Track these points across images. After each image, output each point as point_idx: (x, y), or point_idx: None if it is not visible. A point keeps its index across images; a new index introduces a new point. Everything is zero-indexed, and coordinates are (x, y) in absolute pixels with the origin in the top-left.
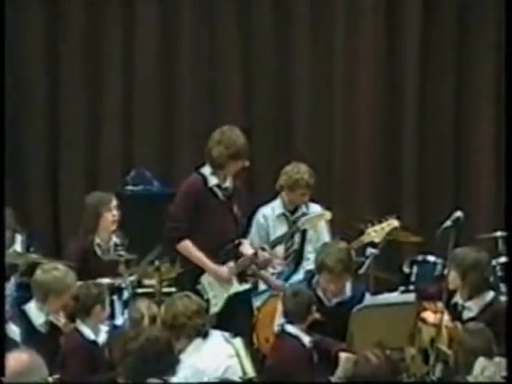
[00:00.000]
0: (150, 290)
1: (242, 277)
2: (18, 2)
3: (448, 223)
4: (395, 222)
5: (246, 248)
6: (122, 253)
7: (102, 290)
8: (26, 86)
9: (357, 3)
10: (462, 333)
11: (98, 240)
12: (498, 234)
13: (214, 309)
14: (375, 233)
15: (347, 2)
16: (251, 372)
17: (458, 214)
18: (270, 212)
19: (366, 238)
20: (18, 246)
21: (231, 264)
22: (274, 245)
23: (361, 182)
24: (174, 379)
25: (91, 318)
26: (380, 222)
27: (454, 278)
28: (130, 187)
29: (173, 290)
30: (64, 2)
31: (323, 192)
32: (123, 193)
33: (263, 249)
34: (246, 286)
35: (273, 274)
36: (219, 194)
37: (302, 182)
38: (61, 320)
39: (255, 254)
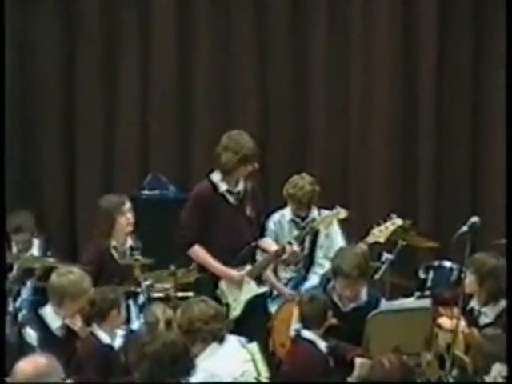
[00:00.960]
0: (166, 294)
1: (258, 281)
2: None
3: (464, 229)
4: (399, 221)
5: (269, 245)
6: (137, 257)
7: (118, 294)
8: (40, 88)
9: None
10: (479, 338)
11: (114, 243)
12: None
13: (234, 313)
14: (380, 232)
15: None
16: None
17: (475, 219)
18: (281, 218)
19: (370, 239)
20: (35, 250)
21: (248, 267)
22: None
23: (376, 188)
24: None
25: (107, 322)
26: (384, 221)
27: (471, 283)
28: (145, 191)
29: (190, 294)
30: None
31: (339, 198)
32: (139, 197)
33: (290, 243)
34: (264, 289)
35: (283, 278)
36: (230, 199)
37: (294, 197)
38: (77, 324)
39: (282, 249)
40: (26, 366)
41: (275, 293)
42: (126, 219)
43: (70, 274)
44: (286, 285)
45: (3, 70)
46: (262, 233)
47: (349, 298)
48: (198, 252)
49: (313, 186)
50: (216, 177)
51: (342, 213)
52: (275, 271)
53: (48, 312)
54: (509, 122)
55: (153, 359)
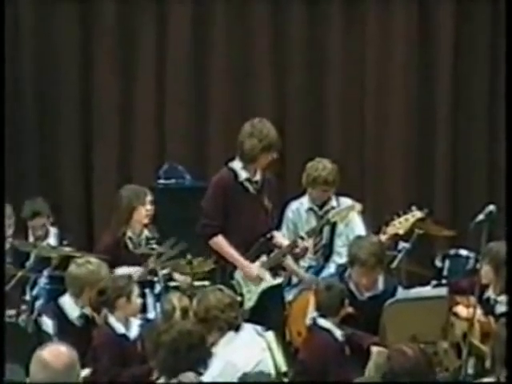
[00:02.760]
0: (182, 283)
1: (275, 271)
2: None
3: (481, 217)
4: (419, 213)
5: (281, 239)
6: (153, 246)
7: (128, 282)
8: (58, 84)
9: None
10: (497, 326)
11: (129, 233)
12: None
13: (249, 303)
14: (400, 224)
15: None
16: (283, 366)
17: (491, 207)
18: (299, 206)
19: (390, 230)
20: (51, 239)
21: (264, 258)
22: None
23: (393, 177)
24: (206, 372)
25: (118, 311)
26: (405, 213)
27: (487, 272)
28: (162, 181)
29: (206, 284)
30: None
31: (355, 186)
32: (155, 186)
33: (302, 238)
34: (279, 280)
35: (302, 267)
36: (250, 188)
37: (319, 179)
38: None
39: (294, 243)
40: (49, 355)
41: (293, 282)
42: (146, 210)
43: (89, 264)
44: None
45: (3, 69)
46: (277, 224)
47: (365, 286)
48: (221, 243)
49: (333, 165)
50: (236, 165)
51: (357, 207)
52: (296, 259)
53: (67, 301)
54: (509, 123)
55: (169, 347)
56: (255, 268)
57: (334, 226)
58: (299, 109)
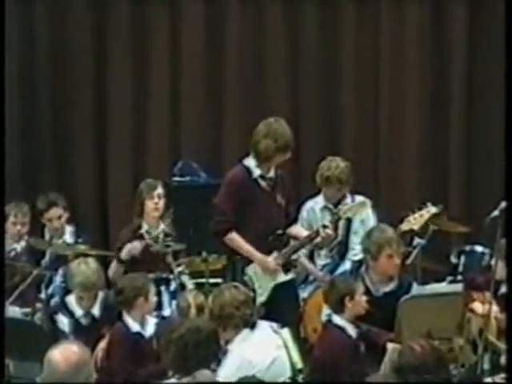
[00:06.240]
0: (198, 280)
1: (287, 266)
2: None
3: (495, 213)
4: (433, 209)
5: (300, 231)
6: (170, 243)
7: (146, 281)
8: (72, 81)
9: None
10: None
11: (146, 227)
12: None
13: (260, 298)
14: (414, 220)
15: None
16: (299, 363)
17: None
18: (314, 206)
19: (405, 226)
20: (67, 237)
21: (275, 254)
22: None
23: (408, 173)
24: (221, 369)
25: (135, 309)
26: (420, 209)
27: (501, 269)
28: (177, 178)
29: (220, 281)
30: None
31: (369, 183)
32: (170, 184)
33: (325, 226)
34: (291, 276)
35: (319, 265)
36: (263, 184)
37: (332, 178)
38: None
39: (317, 232)
40: (55, 355)
41: (308, 279)
42: (154, 204)
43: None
44: (320, 271)
45: (3, 70)
46: (292, 221)
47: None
48: (236, 239)
49: (346, 163)
50: (250, 162)
51: (367, 204)
52: (311, 258)
53: (72, 300)
54: (508, 123)
55: (177, 345)
56: (273, 261)
57: (349, 223)
58: (313, 106)
